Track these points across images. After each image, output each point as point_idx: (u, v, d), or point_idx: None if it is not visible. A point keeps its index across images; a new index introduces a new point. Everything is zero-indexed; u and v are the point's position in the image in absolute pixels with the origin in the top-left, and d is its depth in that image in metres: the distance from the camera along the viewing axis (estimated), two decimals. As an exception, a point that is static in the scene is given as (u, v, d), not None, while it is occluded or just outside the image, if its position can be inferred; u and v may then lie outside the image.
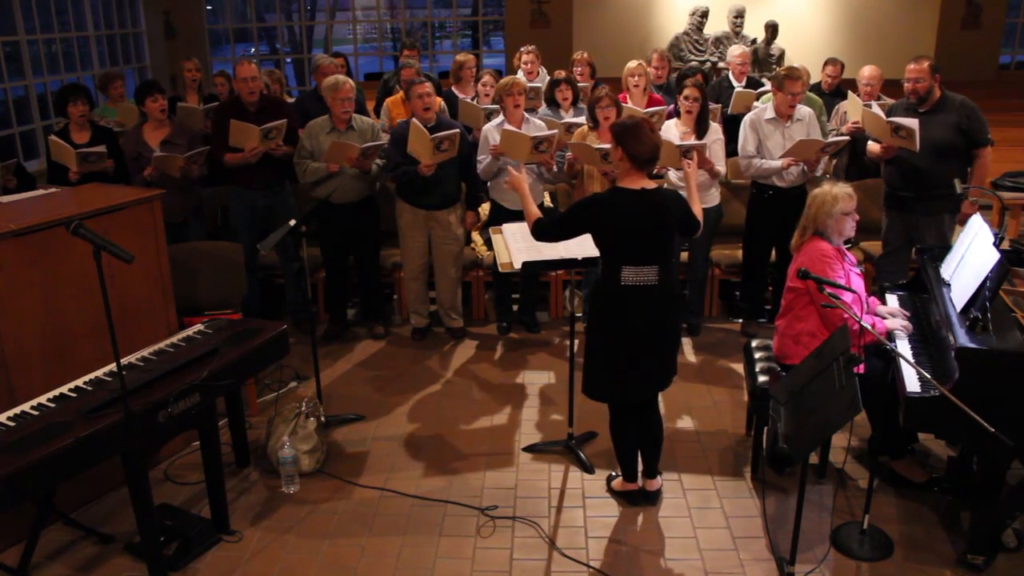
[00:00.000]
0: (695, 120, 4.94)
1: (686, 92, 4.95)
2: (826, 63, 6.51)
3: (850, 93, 5.66)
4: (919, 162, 4.71)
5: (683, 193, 3.66)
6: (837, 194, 3.61)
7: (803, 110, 5.07)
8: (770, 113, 5.05)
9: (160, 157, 4.97)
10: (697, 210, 3.53)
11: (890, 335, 3.53)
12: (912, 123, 4.54)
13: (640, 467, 3.72)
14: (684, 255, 5.43)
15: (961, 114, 4.68)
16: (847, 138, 5.32)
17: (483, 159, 5.10)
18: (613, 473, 3.87)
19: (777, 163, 4.97)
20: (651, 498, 3.71)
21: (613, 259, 3.35)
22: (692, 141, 4.82)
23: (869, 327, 3.13)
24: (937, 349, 3.39)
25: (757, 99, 6.13)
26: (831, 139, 5.06)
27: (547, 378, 4.93)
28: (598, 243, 3.39)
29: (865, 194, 5.15)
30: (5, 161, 5.18)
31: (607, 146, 4.72)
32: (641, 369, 3.43)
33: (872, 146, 4.98)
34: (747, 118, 5.17)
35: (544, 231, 3.47)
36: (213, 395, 3.39)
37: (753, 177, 5.16)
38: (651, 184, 3.34)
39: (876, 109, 4.96)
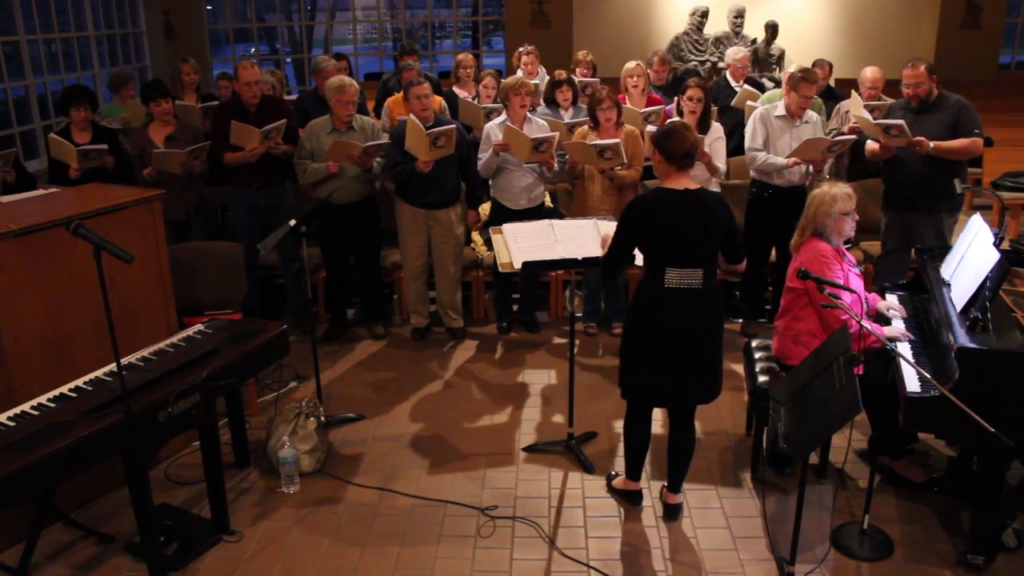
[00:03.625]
0: (698, 120, 4.95)
1: (689, 93, 4.95)
2: (814, 65, 6.47)
3: (853, 92, 5.66)
4: (916, 162, 4.73)
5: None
6: (836, 194, 3.61)
7: (810, 113, 5.11)
8: (780, 111, 5.07)
9: (160, 154, 4.95)
10: None
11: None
12: (899, 122, 4.61)
13: (657, 476, 3.67)
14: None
15: (954, 112, 4.71)
16: (854, 137, 5.32)
17: (483, 156, 5.11)
18: (613, 472, 3.87)
19: (783, 160, 4.99)
20: (672, 512, 3.62)
21: (656, 260, 3.28)
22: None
23: (870, 327, 3.13)
24: (937, 349, 3.39)
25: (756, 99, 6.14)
26: (838, 139, 5.07)
27: (547, 378, 4.93)
28: (641, 245, 3.33)
29: (865, 194, 5.16)
30: (2, 151, 5.14)
31: (602, 142, 4.75)
32: (680, 373, 3.34)
33: (871, 144, 5.00)
34: (756, 112, 5.18)
35: (609, 261, 3.48)
36: (213, 395, 3.39)
37: (757, 171, 5.16)
38: (693, 185, 3.30)
39: (865, 113, 5.00)
